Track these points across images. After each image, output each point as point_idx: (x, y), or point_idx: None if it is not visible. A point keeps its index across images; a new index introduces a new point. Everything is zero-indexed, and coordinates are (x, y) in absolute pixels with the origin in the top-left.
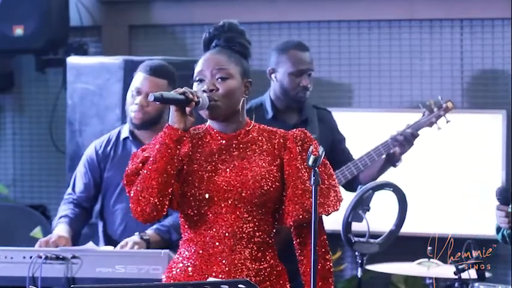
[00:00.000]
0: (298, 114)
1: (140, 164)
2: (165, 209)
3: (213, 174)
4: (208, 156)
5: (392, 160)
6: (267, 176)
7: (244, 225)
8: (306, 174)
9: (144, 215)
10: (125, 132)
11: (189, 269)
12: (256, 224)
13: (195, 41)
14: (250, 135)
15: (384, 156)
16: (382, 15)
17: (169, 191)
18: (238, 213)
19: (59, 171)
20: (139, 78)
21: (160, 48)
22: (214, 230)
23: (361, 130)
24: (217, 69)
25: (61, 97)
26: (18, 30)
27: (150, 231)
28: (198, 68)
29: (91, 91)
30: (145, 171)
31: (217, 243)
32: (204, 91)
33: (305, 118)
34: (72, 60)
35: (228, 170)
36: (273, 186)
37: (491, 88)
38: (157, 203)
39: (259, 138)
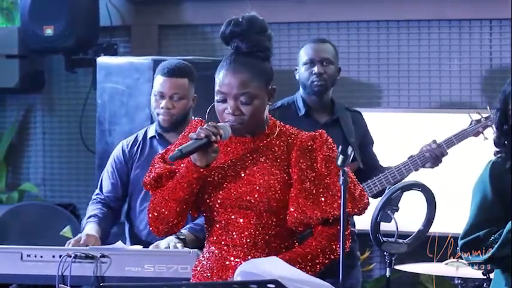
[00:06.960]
0: (330, 114)
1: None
2: (180, 227)
3: (225, 180)
4: (223, 162)
5: None
6: (276, 184)
7: (257, 232)
8: (308, 182)
9: (159, 233)
10: (151, 132)
11: (208, 269)
12: (271, 230)
13: None
14: (269, 139)
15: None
16: (411, 15)
17: (187, 212)
18: (250, 220)
19: (89, 170)
20: (159, 81)
21: (189, 48)
22: (228, 235)
23: (390, 130)
24: (240, 93)
25: (91, 97)
26: (48, 31)
27: (184, 231)
28: (219, 86)
29: (120, 91)
30: (163, 197)
31: (231, 249)
32: (227, 113)
33: (336, 118)
34: (102, 60)
35: (239, 176)
36: (283, 194)
37: None
38: (174, 224)
39: (277, 142)
